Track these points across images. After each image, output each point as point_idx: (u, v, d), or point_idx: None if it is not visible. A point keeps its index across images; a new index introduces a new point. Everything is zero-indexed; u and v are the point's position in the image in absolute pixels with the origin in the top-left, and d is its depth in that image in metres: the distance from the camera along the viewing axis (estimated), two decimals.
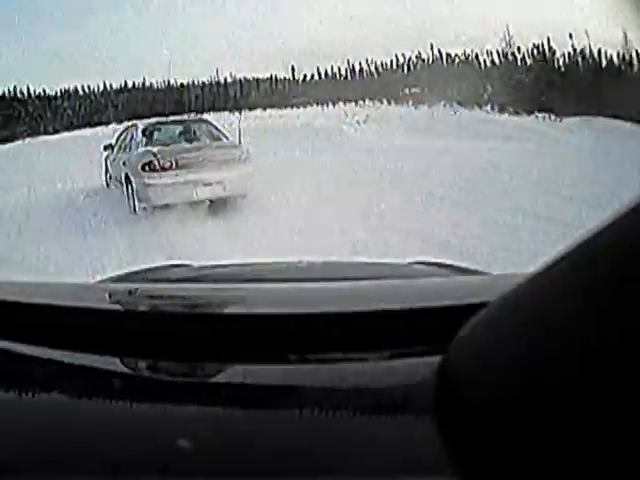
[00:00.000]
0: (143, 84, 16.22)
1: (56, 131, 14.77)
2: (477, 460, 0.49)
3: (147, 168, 6.90)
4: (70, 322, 0.79)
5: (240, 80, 15.95)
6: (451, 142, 10.37)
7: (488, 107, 12.96)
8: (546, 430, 0.43)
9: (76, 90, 16.12)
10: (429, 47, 14.36)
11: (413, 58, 14.79)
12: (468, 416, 0.52)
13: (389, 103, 14.36)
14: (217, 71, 15.64)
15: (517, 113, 12.35)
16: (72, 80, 15.71)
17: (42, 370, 0.75)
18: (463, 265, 1.85)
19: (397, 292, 1.01)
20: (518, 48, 13.09)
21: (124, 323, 0.79)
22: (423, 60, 14.74)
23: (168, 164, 6.88)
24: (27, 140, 14.53)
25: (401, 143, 10.57)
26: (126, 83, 16.25)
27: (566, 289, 0.47)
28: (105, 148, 8.53)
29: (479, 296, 0.68)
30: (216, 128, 8.19)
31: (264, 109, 15.05)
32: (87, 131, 14.80)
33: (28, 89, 15.70)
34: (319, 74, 15.78)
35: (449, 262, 1.84)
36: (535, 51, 13.03)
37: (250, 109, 14.72)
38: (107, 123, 14.62)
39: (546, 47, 12.86)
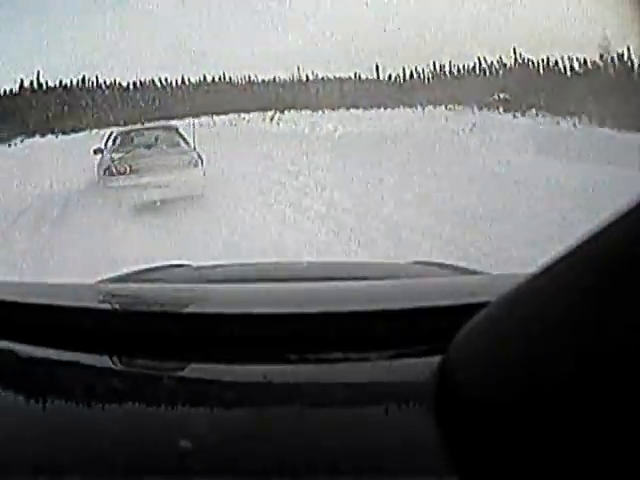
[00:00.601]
0: (222, 78, 16.26)
1: (126, 124, 14.92)
2: (477, 459, 0.49)
3: (107, 172, 7.95)
4: (70, 322, 0.79)
5: (322, 78, 15.85)
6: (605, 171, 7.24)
7: (585, 118, 12.19)
8: (546, 429, 0.43)
9: (152, 82, 16.13)
10: (512, 51, 13.88)
11: (495, 63, 14.36)
12: (468, 415, 0.51)
13: (480, 108, 13.85)
14: (298, 69, 15.59)
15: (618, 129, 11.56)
16: (149, 72, 15.78)
17: (42, 370, 0.76)
18: (463, 265, 1.84)
19: (397, 292, 1.01)
20: (601, 56, 12.41)
21: (124, 323, 0.80)
22: (505, 65, 14.26)
23: (123, 169, 7.82)
24: (94, 131, 14.41)
25: (547, 173, 7.44)
26: (205, 77, 16.22)
27: (566, 289, 0.46)
28: (95, 152, 9.24)
29: (479, 296, 0.68)
30: (180, 135, 9.15)
31: (347, 109, 14.88)
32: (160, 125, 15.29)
33: (97, 79, 15.57)
34: (403, 75, 15.54)
35: (449, 262, 1.82)
36: (617, 59, 12.29)
37: (333, 109, 14.71)
38: (183, 117, 14.65)
39: (626, 56, 12.11)
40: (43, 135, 14.71)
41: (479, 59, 14.40)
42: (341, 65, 15.00)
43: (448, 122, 12.61)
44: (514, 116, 13.07)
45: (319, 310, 0.80)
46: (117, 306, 0.86)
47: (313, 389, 0.70)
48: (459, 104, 14.07)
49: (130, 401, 0.68)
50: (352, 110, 14.84)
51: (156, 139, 8.92)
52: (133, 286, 1.39)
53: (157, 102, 16.11)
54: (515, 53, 13.84)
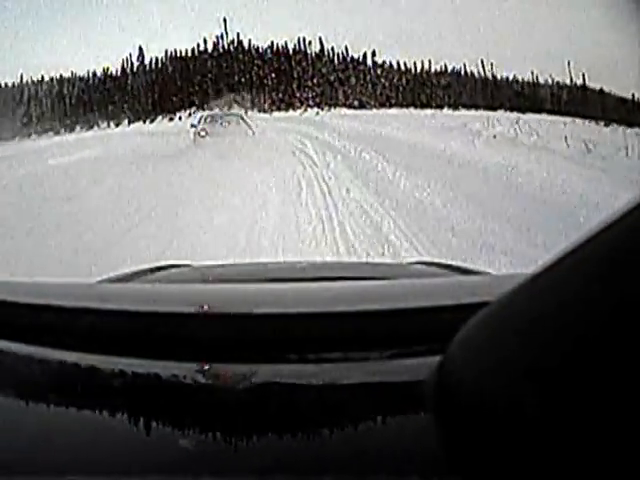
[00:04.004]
0: (459, 71, 16.63)
1: (362, 105, 15.13)
2: (477, 460, 0.48)
3: (198, 135, 14.05)
4: (70, 322, 0.79)
5: None
6: None
7: None
8: (547, 429, 0.42)
9: (397, 65, 16.67)
10: None
11: None
12: (468, 416, 0.51)
13: None
14: None
15: None
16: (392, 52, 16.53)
17: (42, 370, 0.76)
18: (463, 265, 1.82)
19: (397, 292, 1.00)
20: None
21: (124, 323, 0.79)
22: None
23: (203, 134, 13.87)
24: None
25: None
26: (446, 67, 16.78)
27: (567, 289, 0.46)
28: (191, 126, 15.41)
29: (479, 296, 0.68)
30: (241, 117, 15.25)
31: None
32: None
33: (334, 45, 16.11)
34: None
35: (449, 262, 1.82)
36: None
37: None
38: (440, 107, 14.66)
39: None
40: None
41: None
42: None
43: None
44: None
45: (319, 310, 0.79)
46: (117, 306, 0.85)
47: (313, 389, 0.69)
48: None
49: (130, 401, 0.68)
50: None
51: (227, 119, 14.92)
52: (133, 286, 1.38)
53: (402, 85, 17.79)
54: None
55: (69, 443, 0.58)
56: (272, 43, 20.31)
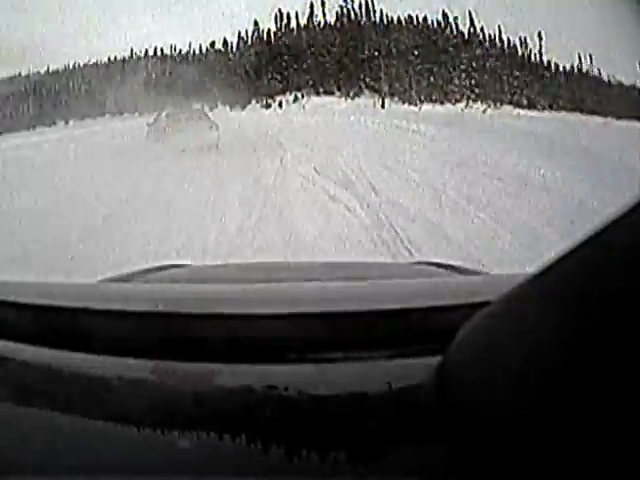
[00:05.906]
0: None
1: (532, 105, 13.05)
2: (476, 460, 0.49)
3: (163, 131, 13.83)
4: (70, 322, 0.80)
5: None
6: None
7: None
8: (547, 430, 0.42)
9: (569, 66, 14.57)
10: None
11: None
12: (467, 416, 0.52)
13: None
14: None
15: None
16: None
17: (42, 370, 0.76)
18: (463, 265, 1.82)
19: (397, 292, 1.00)
20: None
21: (124, 323, 0.80)
22: None
23: (169, 130, 13.38)
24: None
25: None
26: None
27: (566, 289, 0.46)
28: (148, 125, 15.37)
29: (479, 296, 0.68)
30: (204, 112, 15.22)
31: None
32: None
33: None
34: None
35: (449, 262, 1.81)
36: None
37: None
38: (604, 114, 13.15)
39: None
40: None
41: None
42: None
43: None
44: None
45: (319, 310, 0.79)
46: (117, 306, 0.86)
47: (313, 389, 0.69)
48: None
49: (130, 401, 0.68)
50: None
51: (190, 114, 14.61)
52: (133, 286, 1.39)
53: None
54: None
55: (69, 443, 0.59)
56: (409, 16, 16.22)
